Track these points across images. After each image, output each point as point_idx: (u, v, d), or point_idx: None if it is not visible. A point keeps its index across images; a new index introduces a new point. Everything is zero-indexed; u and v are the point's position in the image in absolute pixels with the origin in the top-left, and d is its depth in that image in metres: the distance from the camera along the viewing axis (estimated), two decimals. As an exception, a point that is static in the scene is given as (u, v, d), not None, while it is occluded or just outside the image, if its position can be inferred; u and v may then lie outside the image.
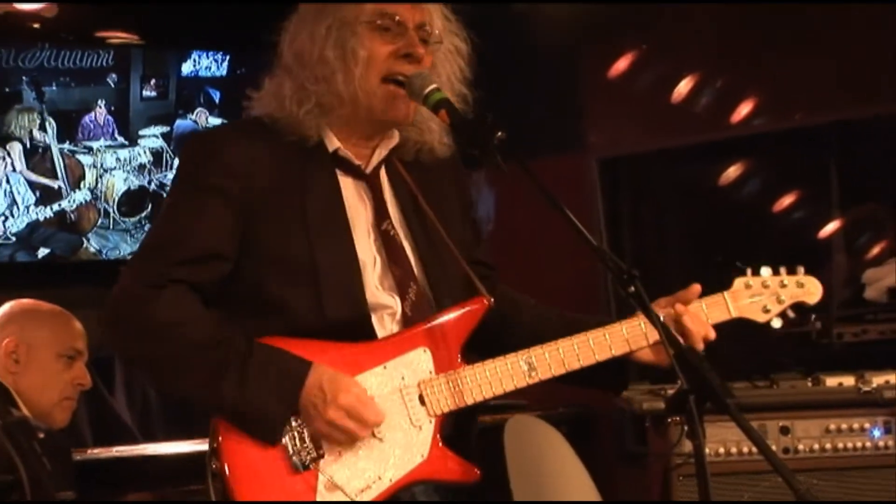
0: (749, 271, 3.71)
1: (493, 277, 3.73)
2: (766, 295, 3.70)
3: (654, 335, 3.49)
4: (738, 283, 3.69)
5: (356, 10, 3.42)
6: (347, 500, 3.25)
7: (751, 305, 3.68)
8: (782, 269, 3.73)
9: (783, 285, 3.72)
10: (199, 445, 5.45)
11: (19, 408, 4.50)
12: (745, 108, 7.65)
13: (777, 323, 3.70)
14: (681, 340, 3.32)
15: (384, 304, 3.43)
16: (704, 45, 7.65)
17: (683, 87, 7.78)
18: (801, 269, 3.76)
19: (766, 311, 3.70)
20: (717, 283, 3.79)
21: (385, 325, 3.42)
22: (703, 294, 3.66)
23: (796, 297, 3.73)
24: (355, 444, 3.28)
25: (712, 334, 3.55)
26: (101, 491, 5.07)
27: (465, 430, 3.48)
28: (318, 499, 3.23)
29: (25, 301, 4.84)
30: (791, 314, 3.72)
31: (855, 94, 7.16)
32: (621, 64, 7.95)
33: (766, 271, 3.71)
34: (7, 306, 4.80)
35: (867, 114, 7.27)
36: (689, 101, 7.78)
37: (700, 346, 3.50)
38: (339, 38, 3.40)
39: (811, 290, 3.75)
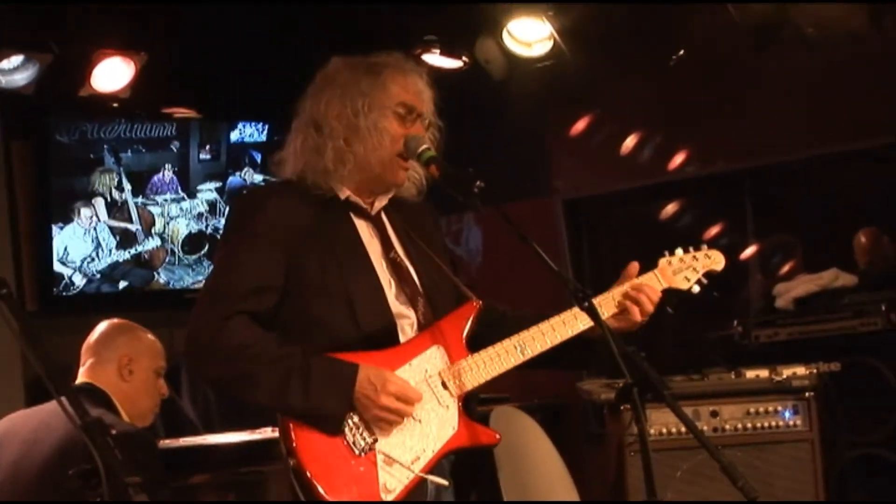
0: (666, 252, 3.73)
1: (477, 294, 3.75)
2: (684, 268, 3.71)
3: (609, 310, 3.54)
4: (662, 262, 3.71)
5: (385, 97, 3.44)
6: (404, 470, 3.26)
7: (675, 278, 3.69)
8: (691, 248, 3.74)
9: (695, 259, 3.73)
10: (250, 436, 5.46)
11: (117, 410, 4.48)
12: (678, 158, 7.66)
13: (696, 288, 3.71)
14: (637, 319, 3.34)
15: (405, 315, 3.45)
16: (646, 109, 7.66)
17: (630, 141, 7.79)
18: (704, 246, 3.77)
19: (687, 280, 3.71)
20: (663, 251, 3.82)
21: (406, 332, 3.44)
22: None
23: (707, 267, 3.73)
24: (401, 428, 3.29)
25: (658, 295, 3.59)
26: (170, 473, 5.05)
27: (474, 406, 3.50)
28: (381, 472, 3.25)
29: (125, 322, 4.76)
30: (704, 281, 3.73)
31: (764, 147, 7.18)
32: (580, 124, 7.96)
33: (679, 251, 3.73)
34: (110, 325, 4.69)
35: (774, 161, 7.29)
36: (635, 152, 7.78)
37: (651, 309, 3.55)
38: (374, 117, 3.43)
39: (717, 259, 3.76)
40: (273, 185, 3.56)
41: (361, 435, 3.27)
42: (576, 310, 3.48)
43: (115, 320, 4.75)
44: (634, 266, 3.64)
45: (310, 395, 3.22)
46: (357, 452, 3.25)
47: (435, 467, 3.34)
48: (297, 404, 3.22)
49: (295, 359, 3.26)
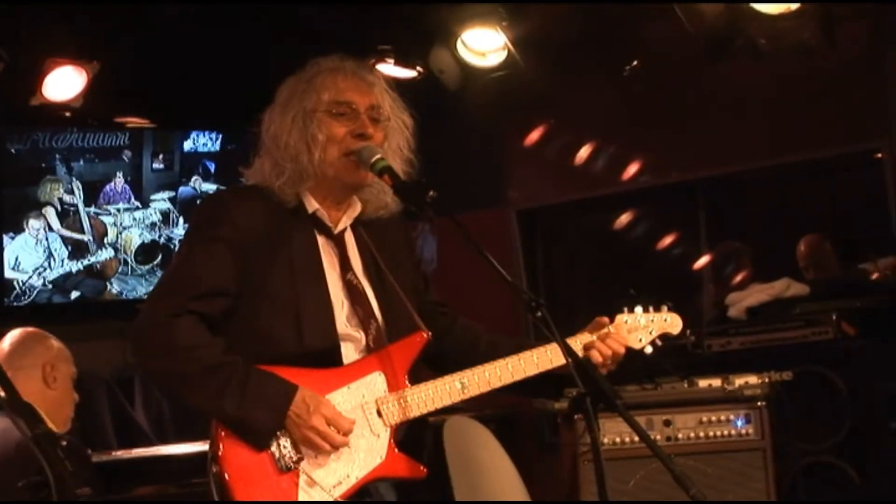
0: (626, 309, 3.76)
1: (450, 314, 3.75)
2: (640, 329, 3.76)
3: (557, 360, 3.53)
4: (619, 319, 3.75)
5: (315, 102, 3.46)
6: (324, 493, 3.26)
7: (629, 336, 3.72)
8: (651, 308, 3.79)
9: (652, 321, 3.78)
10: (203, 447, 5.43)
11: (43, 420, 4.45)
12: (632, 168, 7.70)
13: (649, 349, 3.77)
14: (579, 355, 3.37)
15: (352, 336, 3.44)
16: (599, 119, 7.69)
17: (584, 151, 7.82)
18: (664, 307, 3.82)
19: (640, 340, 3.76)
20: (615, 308, 3.84)
21: (351, 354, 3.43)
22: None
23: (663, 329, 3.80)
24: (328, 451, 3.29)
25: (622, 352, 3.64)
26: (123, 485, 5.03)
27: (416, 436, 3.50)
28: (301, 493, 3.24)
29: (35, 330, 4.72)
30: (659, 343, 3.79)
31: (718, 157, 7.23)
32: (534, 134, 7.99)
33: (639, 309, 3.78)
34: (22, 335, 4.65)
35: (726, 172, 7.34)
36: (589, 162, 7.82)
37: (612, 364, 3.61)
38: (303, 125, 3.44)
39: (674, 323, 3.82)
40: (240, 190, 3.54)
41: (288, 453, 3.27)
42: (524, 355, 3.53)
43: (24, 329, 4.73)
44: (604, 321, 3.69)
45: (244, 406, 3.22)
46: (281, 469, 3.25)
47: (357, 495, 3.34)
48: (230, 412, 3.22)
49: (236, 367, 3.27)
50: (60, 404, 4.58)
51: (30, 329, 4.72)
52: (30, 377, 4.51)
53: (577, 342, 3.59)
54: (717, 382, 5.63)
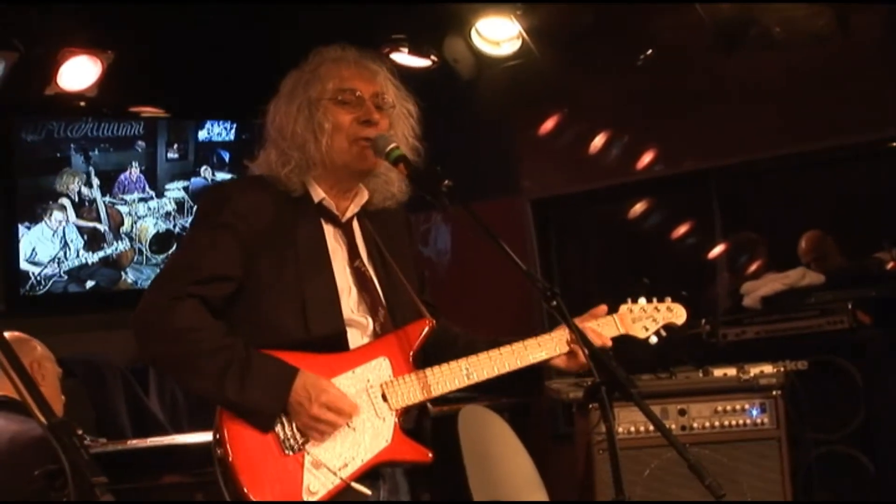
0: (629, 299, 3.76)
1: (437, 314, 3.74)
2: (644, 318, 3.78)
3: (562, 347, 3.57)
4: (623, 309, 3.78)
5: (320, 91, 3.48)
6: (330, 474, 3.26)
7: (633, 325, 3.76)
8: (654, 298, 3.80)
9: (657, 310, 3.80)
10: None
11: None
12: (646, 157, 7.67)
13: (653, 339, 3.77)
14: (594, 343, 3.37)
15: (358, 323, 3.45)
16: (614, 108, 7.67)
17: (598, 141, 7.79)
18: (668, 298, 3.83)
19: (646, 329, 3.78)
20: (627, 298, 3.84)
21: (357, 339, 3.45)
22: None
23: (667, 320, 3.82)
24: (334, 434, 3.29)
25: (608, 342, 3.63)
26: (137, 474, 5.03)
27: (420, 421, 3.51)
28: (306, 474, 3.24)
29: (20, 334, 4.77)
30: (663, 333, 3.80)
31: (732, 146, 7.20)
32: (548, 123, 7.96)
33: (642, 300, 3.79)
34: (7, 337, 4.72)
35: (741, 160, 7.31)
36: (603, 152, 7.79)
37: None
38: (308, 114, 3.46)
39: (678, 313, 3.85)
40: (245, 180, 3.58)
41: (293, 434, 3.28)
42: (528, 342, 3.54)
43: (7, 333, 4.75)
44: (602, 309, 3.70)
45: (245, 390, 3.23)
46: (286, 451, 3.26)
47: (366, 474, 3.34)
48: (232, 396, 3.23)
49: (236, 350, 3.28)
50: (52, 401, 4.59)
51: (11, 333, 4.75)
52: None
53: (564, 335, 3.60)
54: (731, 372, 5.62)
